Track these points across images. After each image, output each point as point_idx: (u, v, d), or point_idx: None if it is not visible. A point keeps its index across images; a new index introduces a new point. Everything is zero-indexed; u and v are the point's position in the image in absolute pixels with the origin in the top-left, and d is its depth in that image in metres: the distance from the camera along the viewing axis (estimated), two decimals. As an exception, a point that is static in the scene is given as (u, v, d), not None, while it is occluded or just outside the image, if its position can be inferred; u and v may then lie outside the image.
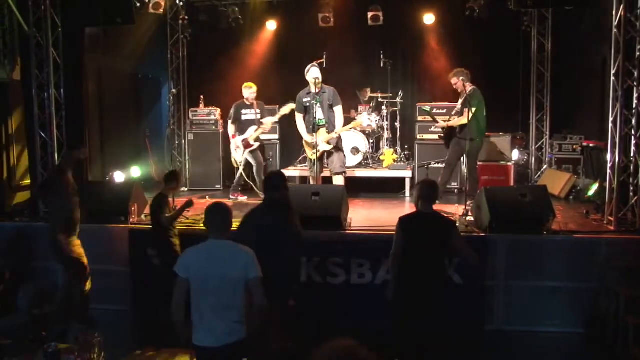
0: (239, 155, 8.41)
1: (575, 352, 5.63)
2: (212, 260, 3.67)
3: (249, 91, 8.45)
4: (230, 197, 8.47)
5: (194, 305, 3.68)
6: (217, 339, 3.65)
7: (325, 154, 7.51)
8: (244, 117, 8.44)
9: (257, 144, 8.39)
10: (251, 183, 8.47)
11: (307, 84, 7.49)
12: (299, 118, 7.62)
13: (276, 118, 8.40)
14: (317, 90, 7.31)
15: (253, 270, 3.65)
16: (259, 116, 8.44)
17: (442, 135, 7.89)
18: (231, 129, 8.51)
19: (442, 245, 4.39)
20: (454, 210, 7.18)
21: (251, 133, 8.35)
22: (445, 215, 4.98)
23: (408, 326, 4.39)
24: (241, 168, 8.40)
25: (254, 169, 8.49)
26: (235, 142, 8.45)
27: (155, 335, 5.25)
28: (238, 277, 3.64)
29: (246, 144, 8.35)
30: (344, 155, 7.75)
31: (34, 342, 4.44)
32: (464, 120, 7.20)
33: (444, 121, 7.69)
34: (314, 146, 7.31)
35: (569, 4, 7.65)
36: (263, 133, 8.46)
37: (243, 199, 8.43)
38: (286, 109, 8.03)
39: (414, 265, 4.33)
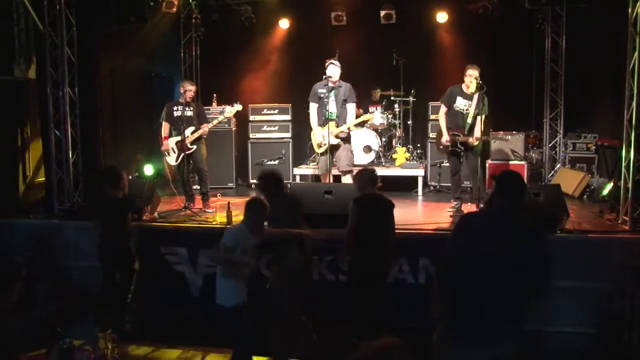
0: (172, 160, 7.64)
1: (588, 352, 5.56)
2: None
3: (189, 89, 7.65)
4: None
5: None
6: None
7: (335, 150, 7.41)
8: (176, 114, 7.59)
9: (194, 147, 7.53)
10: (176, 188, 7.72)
11: (320, 80, 7.48)
12: (313, 108, 7.52)
13: (216, 121, 7.82)
14: (332, 85, 7.30)
15: None
16: (192, 113, 7.57)
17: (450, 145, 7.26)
18: (165, 129, 7.72)
19: (387, 217, 5.29)
20: (467, 209, 7.15)
21: (188, 134, 7.50)
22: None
23: (363, 279, 5.21)
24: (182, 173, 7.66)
25: (196, 178, 7.84)
26: (169, 144, 7.64)
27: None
28: None
29: (183, 147, 7.50)
30: (352, 153, 7.63)
31: (49, 339, 4.48)
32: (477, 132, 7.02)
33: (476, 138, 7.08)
34: (320, 139, 7.33)
35: (584, 1, 7.60)
36: (204, 133, 7.57)
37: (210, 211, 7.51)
38: (230, 111, 7.87)
39: (366, 234, 5.12)
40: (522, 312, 3.41)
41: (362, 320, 5.20)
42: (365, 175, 5.42)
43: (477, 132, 7.01)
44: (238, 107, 7.93)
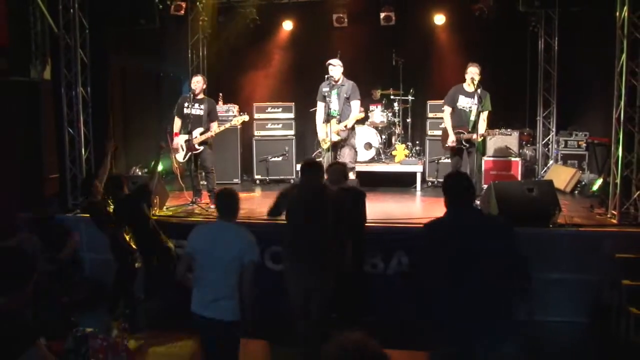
0: (180, 156, 7.72)
1: (579, 340, 5.75)
2: (215, 240, 4.09)
3: (194, 81, 7.73)
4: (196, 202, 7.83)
5: (195, 278, 4.15)
6: (209, 311, 4.05)
7: (338, 147, 7.49)
8: (185, 111, 7.62)
9: (201, 148, 7.62)
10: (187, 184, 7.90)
11: (323, 80, 7.69)
12: (319, 106, 7.60)
13: (222, 127, 7.86)
14: (334, 83, 7.38)
15: (248, 254, 4.01)
16: (201, 112, 7.62)
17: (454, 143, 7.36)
18: (176, 124, 7.78)
19: (363, 207, 5.62)
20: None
21: (196, 135, 7.57)
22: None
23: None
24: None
25: (203, 174, 7.92)
26: (178, 141, 7.70)
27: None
28: (233, 259, 4.01)
29: (190, 147, 7.63)
30: (355, 151, 7.68)
31: (64, 327, 4.71)
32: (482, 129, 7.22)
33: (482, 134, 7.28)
34: (323, 136, 7.45)
35: (575, 5, 7.80)
36: (211, 137, 7.68)
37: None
38: (237, 120, 8.14)
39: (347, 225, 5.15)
40: (502, 308, 3.42)
41: (346, 310, 5.35)
42: (337, 170, 5.66)
43: (481, 128, 7.16)
44: (245, 117, 8.24)
